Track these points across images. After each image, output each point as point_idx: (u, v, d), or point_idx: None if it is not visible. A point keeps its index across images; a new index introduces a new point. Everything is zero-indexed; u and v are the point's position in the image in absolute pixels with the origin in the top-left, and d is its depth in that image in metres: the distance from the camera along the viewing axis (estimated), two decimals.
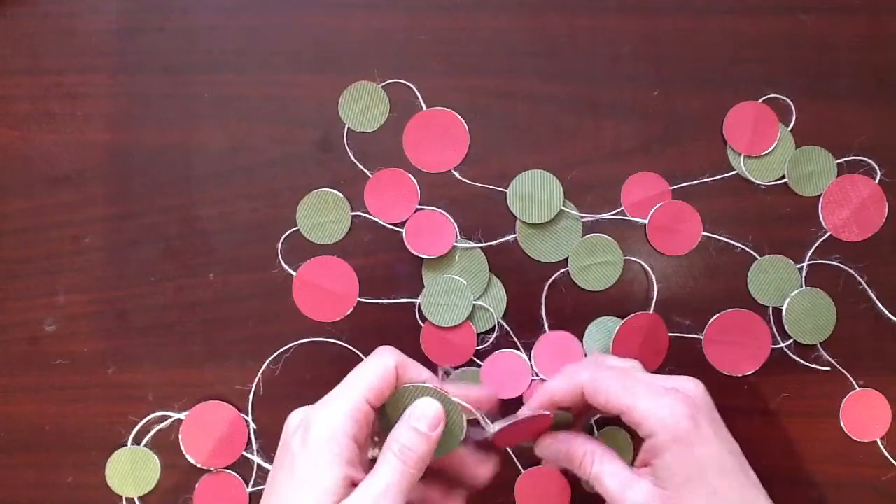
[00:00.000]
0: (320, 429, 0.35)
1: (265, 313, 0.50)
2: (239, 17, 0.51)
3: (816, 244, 0.50)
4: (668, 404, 0.38)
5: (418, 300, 0.50)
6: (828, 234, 0.50)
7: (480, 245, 0.50)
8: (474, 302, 0.49)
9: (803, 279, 0.50)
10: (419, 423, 0.36)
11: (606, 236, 0.50)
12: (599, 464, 0.39)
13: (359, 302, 0.50)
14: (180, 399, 0.49)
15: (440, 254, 0.49)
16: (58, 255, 0.50)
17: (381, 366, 0.37)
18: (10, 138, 0.51)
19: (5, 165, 0.50)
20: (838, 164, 0.51)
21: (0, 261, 0.50)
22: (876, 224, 0.51)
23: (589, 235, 0.50)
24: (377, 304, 0.50)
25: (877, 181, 0.51)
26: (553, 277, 0.50)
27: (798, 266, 0.50)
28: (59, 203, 0.50)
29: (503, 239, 0.50)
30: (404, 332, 0.50)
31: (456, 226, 0.50)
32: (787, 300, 0.50)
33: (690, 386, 0.40)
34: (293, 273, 0.50)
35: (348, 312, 0.50)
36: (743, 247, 0.50)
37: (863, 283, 0.50)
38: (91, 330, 0.50)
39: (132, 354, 0.50)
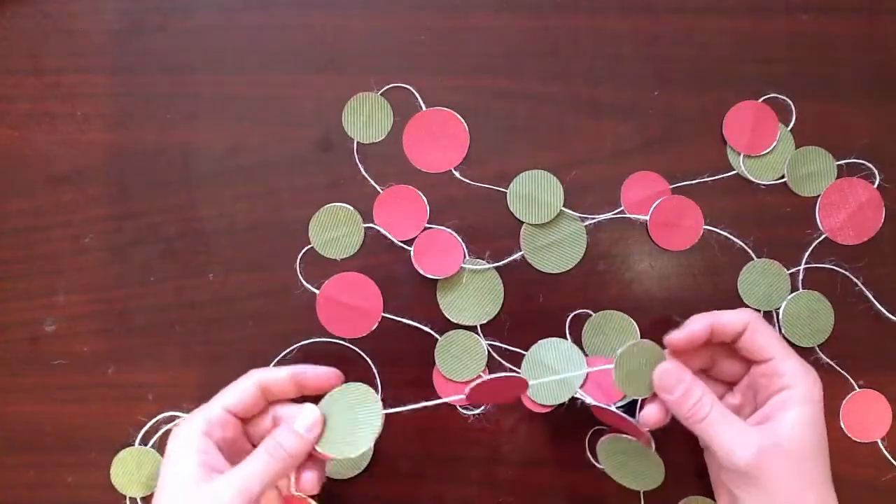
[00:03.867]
0: (180, 430, 0.40)
1: (265, 313, 0.50)
2: (239, 17, 0.51)
3: (812, 246, 0.50)
4: (813, 371, 0.42)
5: (438, 340, 0.49)
6: (824, 237, 0.50)
7: (489, 266, 0.50)
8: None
9: (800, 281, 0.50)
10: (298, 426, 0.40)
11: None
12: (714, 410, 0.41)
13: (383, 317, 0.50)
14: (180, 399, 0.49)
15: (448, 275, 0.49)
16: (58, 255, 0.50)
17: (241, 385, 0.42)
18: (10, 138, 0.51)
19: (5, 165, 0.50)
20: (838, 165, 0.51)
21: (0, 261, 0.50)
22: (872, 228, 0.51)
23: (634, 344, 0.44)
24: (396, 320, 0.50)
25: (875, 186, 0.51)
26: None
27: (795, 269, 0.50)
28: (59, 203, 0.50)
29: (511, 258, 0.50)
30: (408, 339, 0.50)
31: (464, 246, 0.50)
32: (784, 303, 0.50)
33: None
34: (315, 291, 0.50)
35: (373, 328, 0.50)
36: (743, 244, 0.50)
37: (859, 284, 0.50)
38: (91, 330, 0.50)
39: (132, 354, 0.50)
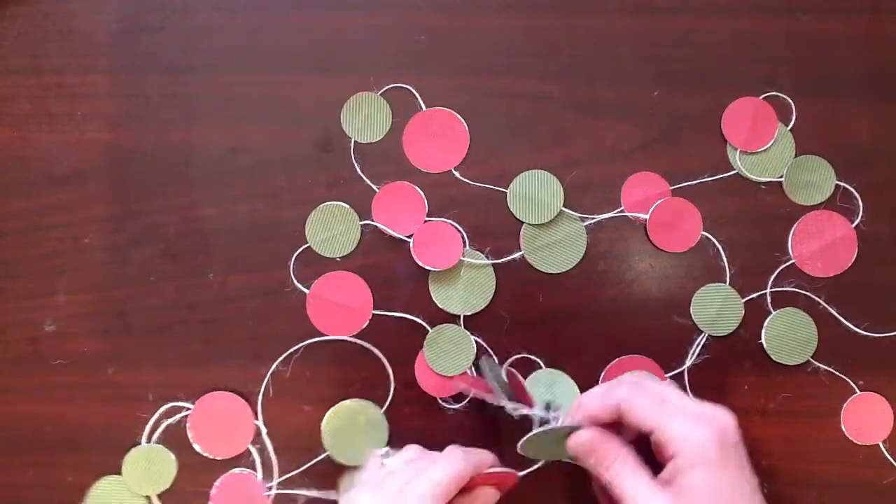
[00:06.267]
0: None
1: (265, 313, 0.50)
2: (239, 17, 0.51)
3: (778, 270, 0.50)
4: (699, 428, 0.38)
5: (428, 332, 0.49)
6: (791, 262, 0.50)
7: (488, 262, 0.50)
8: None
9: (769, 303, 0.50)
10: None
11: None
12: (623, 467, 0.39)
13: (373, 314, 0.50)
14: (180, 399, 0.49)
15: (447, 266, 0.49)
16: (58, 255, 0.50)
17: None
18: (10, 138, 0.51)
19: (5, 165, 0.50)
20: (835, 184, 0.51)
21: (0, 261, 0.50)
22: (841, 266, 0.50)
23: None
24: (389, 315, 0.50)
25: (855, 224, 0.50)
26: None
27: (759, 293, 0.50)
28: (59, 203, 0.50)
29: (510, 257, 0.50)
30: (410, 338, 0.50)
31: (465, 238, 0.50)
32: (763, 330, 0.50)
33: (722, 416, 0.40)
34: (306, 290, 0.50)
35: (363, 327, 0.50)
36: (726, 263, 0.50)
37: (822, 302, 0.50)
38: (91, 330, 0.50)
39: (132, 354, 0.50)
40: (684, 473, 0.37)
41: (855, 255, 0.50)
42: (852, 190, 0.51)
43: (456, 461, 0.41)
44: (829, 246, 0.50)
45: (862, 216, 0.51)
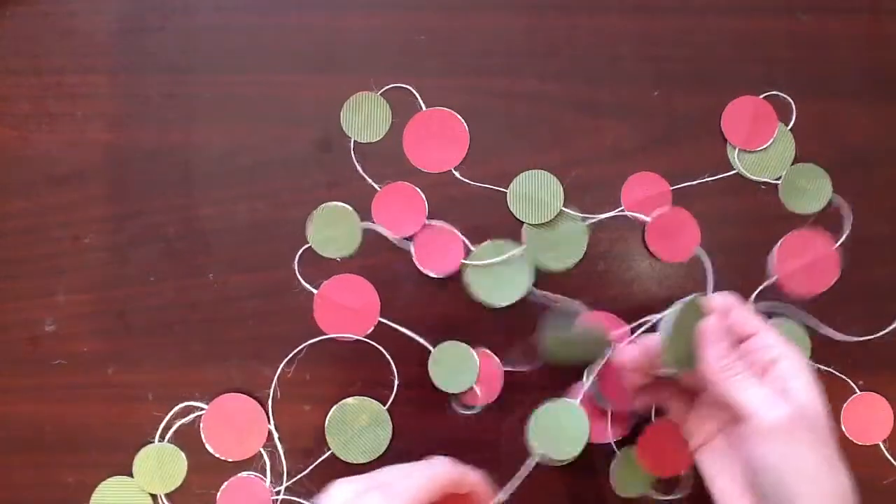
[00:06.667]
0: None
1: (265, 313, 0.50)
2: (239, 17, 0.51)
3: (759, 289, 0.50)
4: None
5: (431, 352, 0.49)
6: (773, 279, 0.50)
7: (490, 262, 0.49)
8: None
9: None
10: None
11: None
12: (746, 369, 0.40)
13: (379, 322, 0.50)
14: (180, 399, 0.49)
15: (449, 273, 0.49)
16: (58, 255, 0.50)
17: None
18: (10, 138, 0.51)
19: (5, 165, 0.50)
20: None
21: (0, 261, 0.50)
22: (822, 286, 0.50)
23: None
24: (395, 319, 0.50)
25: (840, 242, 0.50)
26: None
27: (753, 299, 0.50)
28: (59, 203, 0.50)
29: (510, 254, 0.50)
30: (412, 339, 0.50)
31: (467, 242, 0.50)
32: None
33: None
34: (314, 290, 0.50)
35: (369, 331, 0.50)
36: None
37: (808, 315, 0.50)
38: (91, 330, 0.50)
39: (132, 354, 0.50)
40: (794, 378, 0.40)
41: (837, 276, 0.50)
42: (845, 204, 0.50)
43: (443, 465, 0.39)
44: (810, 265, 0.50)
45: (847, 232, 0.50)
